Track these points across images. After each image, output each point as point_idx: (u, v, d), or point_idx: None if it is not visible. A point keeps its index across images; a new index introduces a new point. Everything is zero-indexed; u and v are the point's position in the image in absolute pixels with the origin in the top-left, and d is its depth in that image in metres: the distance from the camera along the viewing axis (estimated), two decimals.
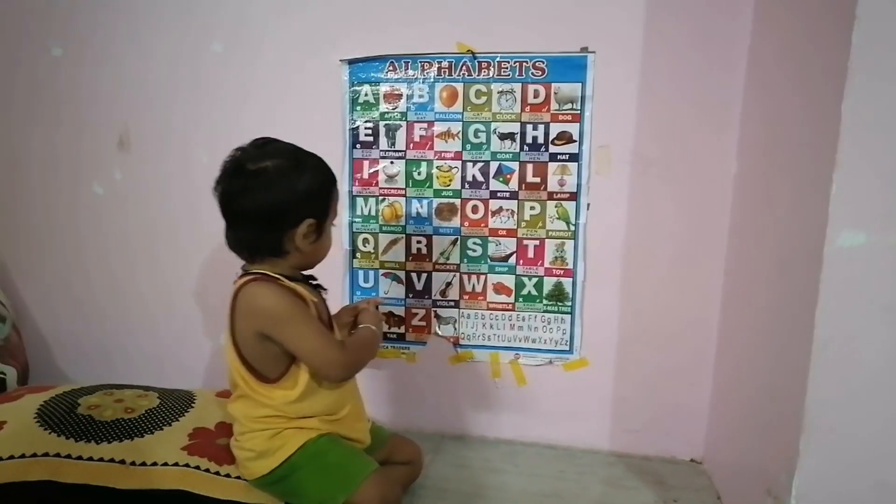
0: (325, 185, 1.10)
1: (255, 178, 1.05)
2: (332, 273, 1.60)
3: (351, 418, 1.16)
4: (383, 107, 1.53)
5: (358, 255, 1.60)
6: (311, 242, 1.09)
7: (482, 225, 1.53)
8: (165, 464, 1.12)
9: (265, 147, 1.09)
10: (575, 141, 1.47)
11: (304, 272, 1.15)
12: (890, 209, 0.91)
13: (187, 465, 1.12)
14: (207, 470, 1.12)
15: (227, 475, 1.13)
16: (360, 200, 1.57)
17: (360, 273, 1.60)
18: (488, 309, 1.57)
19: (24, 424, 1.20)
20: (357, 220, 1.58)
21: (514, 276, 1.54)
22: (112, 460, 1.12)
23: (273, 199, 1.04)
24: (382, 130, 1.54)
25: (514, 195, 1.51)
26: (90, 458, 1.12)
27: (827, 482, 0.98)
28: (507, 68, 1.46)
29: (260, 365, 1.08)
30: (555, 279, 1.53)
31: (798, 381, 0.98)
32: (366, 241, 1.59)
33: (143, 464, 1.12)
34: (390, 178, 1.55)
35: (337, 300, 1.61)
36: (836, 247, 0.93)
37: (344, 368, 1.08)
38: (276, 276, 1.07)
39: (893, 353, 0.94)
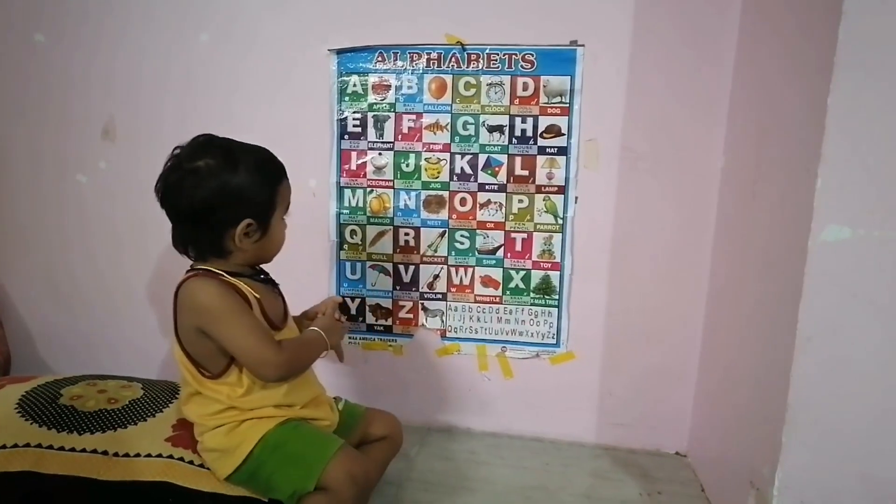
0: (263, 184, 1.07)
1: (189, 177, 1.04)
2: (318, 265, 1.60)
3: (310, 408, 1.15)
4: (372, 98, 1.52)
5: (345, 246, 1.59)
6: (255, 241, 1.08)
7: (470, 217, 1.53)
8: (149, 455, 1.11)
9: (204, 145, 1.08)
10: (564, 134, 1.47)
11: (257, 266, 1.15)
12: (875, 204, 0.92)
13: (171, 457, 1.11)
14: (192, 462, 1.11)
15: None
16: (347, 192, 1.56)
17: (347, 265, 1.60)
18: (475, 302, 1.56)
19: (5, 415, 1.18)
20: (344, 211, 1.57)
21: (501, 269, 1.54)
22: (95, 451, 1.11)
23: (204, 197, 1.03)
24: (371, 122, 1.53)
25: (502, 188, 1.51)
26: (72, 449, 1.11)
27: (810, 474, 0.99)
28: (496, 60, 1.46)
29: (203, 360, 1.07)
30: (542, 272, 1.53)
31: (782, 374, 0.99)
32: (353, 232, 1.58)
33: (127, 455, 1.11)
34: (378, 169, 1.54)
35: (323, 292, 1.60)
36: (820, 241, 0.94)
37: (276, 369, 1.04)
38: (219, 272, 1.06)
39: (877, 347, 0.95)
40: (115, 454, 1.11)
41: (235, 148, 1.08)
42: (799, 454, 0.98)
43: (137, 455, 1.11)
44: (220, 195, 1.03)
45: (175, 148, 1.09)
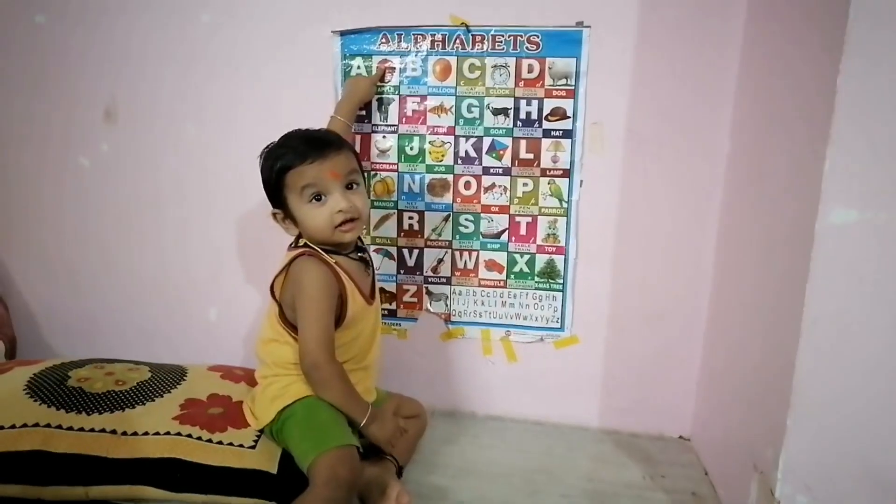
0: (269, 170, 1.17)
1: None
2: None
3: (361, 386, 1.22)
4: None
5: None
6: (292, 227, 1.19)
7: (474, 201, 1.53)
8: (157, 433, 1.12)
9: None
10: (569, 117, 1.46)
11: (356, 243, 1.26)
12: (882, 186, 0.91)
13: (179, 434, 1.12)
14: (199, 438, 1.13)
15: (220, 442, 1.13)
16: None
17: None
18: (480, 286, 1.57)
19: (14, 396, 1.19)
20: None
21: (505, 253, 1.54)
22: (103, 430, 1.12)
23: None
24: (374, 104, 1.52)
25: (506, 171, 1.50)
26: (80, 429, 1.12)
27: (814, 458, 0.99)
28: (501, 42, 1.45)
29: (292, 317, 1.18)
30: (547, 256, 1.53)
31: (787, 357, 0.99)
32: None
33: (135, 433, 1.12)
34: (382, 152, 1.54)
35: None
36: (827, 224, 0.93)
37: (312, 366, 1.12)
38: (319, 250, 1.16)
39: (882, 330, 0.95)
40: (123, 433, 1.12)
41: (282, 137, 1.20)
42: (803, 438, 0.99)
43: (145, 433, 1.12)
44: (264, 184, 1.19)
45: None
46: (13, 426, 1.11)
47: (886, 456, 0.98)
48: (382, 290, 1.60)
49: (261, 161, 1.20)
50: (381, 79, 1.49)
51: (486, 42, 1.45)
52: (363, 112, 1.52)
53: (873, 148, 0.91)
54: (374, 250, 1.59)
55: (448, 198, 1.53)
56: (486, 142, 1.49)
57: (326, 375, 1.13)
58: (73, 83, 1.63)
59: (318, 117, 1.52)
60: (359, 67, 1.50)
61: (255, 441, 1.18)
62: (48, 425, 1.12)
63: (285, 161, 1.14)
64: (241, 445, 1.15)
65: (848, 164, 0.91)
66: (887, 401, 0.96)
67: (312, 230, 1.16)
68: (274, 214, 1.19)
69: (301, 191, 1.14)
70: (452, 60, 1.48)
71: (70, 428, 1.12)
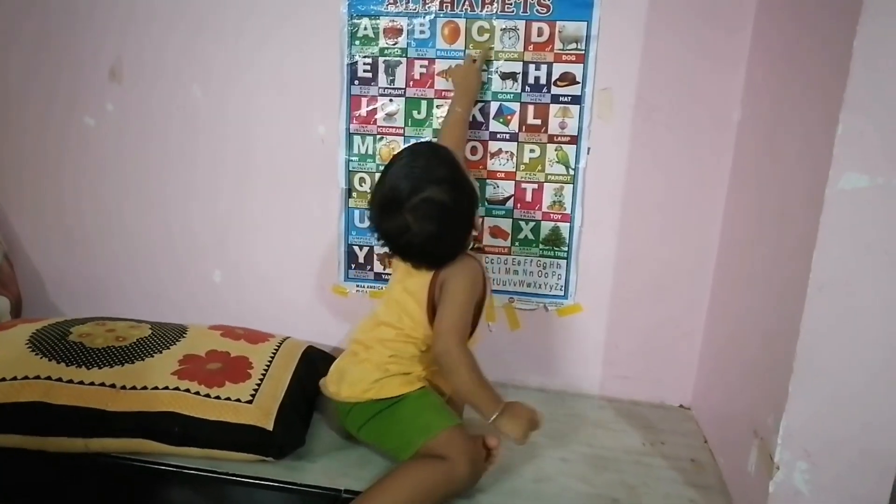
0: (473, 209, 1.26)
1: None
2: (327, 212, 1.59)
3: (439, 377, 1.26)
4: (383, 42, 1.49)
5: (354, 194, 1.58)
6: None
7: (480, 167, 1.51)
8: (156, 388, 1.13)
9: None
10: (578, 83, 1.43)
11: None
12: (894, 151, 0.90)
13: (177, 389, 1.13)
14: (198, 393, 1.13)
15: (218, 397, 1.14)
16: (357, 139, 1.54)
17: (356, 213, 1.59)
18: (484, 252, 1.56)
19: (17, 350, 1.20)
20: (354, 158, 1.55)
21: (510, 220, 1.53)
22: (103, 384, 1.13)
23: None
24: (381, 67, 1.50)
25: (513, 137, 1.48)
26: (81, 382, 1.13)
27: (814, 424, 0.98)
28: (510, 4, 1.42)
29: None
30: (552, 224, 1.52)
31: (791, 324, 0.98)
32: (362, 180, 1.57)
33: (134, 388, 1.13)
34: (389, 116, 1.52)
35: (332, 240, 1.60)
36: (837, 189, 0.92)
37: (443, 352, 1.13)
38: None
39: (889, 297, 0.93)
40: (123, 387, 1.13)
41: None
42: (805, 403, 0.98)
43: (144, 388, 1.13)
44: None
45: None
46: (14, 378, 1.12)
47: (888, 423, 0.97)
48: (387, 254, 1.59)
49: (454, 193, 1.15)
50: (477, 61, 1.43)
51: (495, 4, 1.42)
52: (369, 74, 1.50)
53: (888, 112, 0.89)
54: None
55: None
56: (494, 107, 1.47)
57: (456, 361, 1.12)
58: (77, 41, 1.61)
59: (323, 80, 1.52)
60: (365, 28, 1.48)
61: (252, 396, 1.18)
62: (49, 378, 1.12)
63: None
64: (238, 400, 1.16)
65: (862, 127, 0.89)
66: (890, 368, 0.95)
67: None
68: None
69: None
70: (461, 23, 1.45)
71: (70, 381, 1.13)
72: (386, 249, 1.23)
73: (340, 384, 1.23)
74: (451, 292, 1.16)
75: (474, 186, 1.21)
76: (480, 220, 1.49)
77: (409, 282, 1.21)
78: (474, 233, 1.25)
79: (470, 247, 1.26)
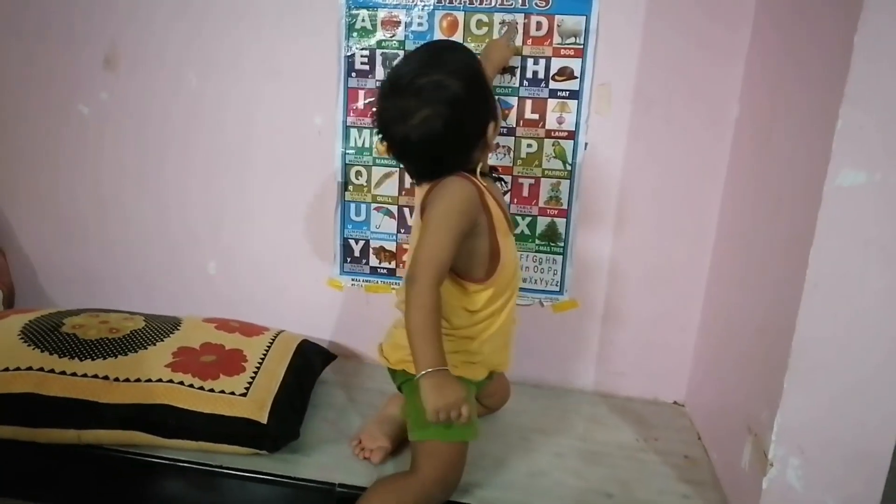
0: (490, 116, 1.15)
1: None
2: (323, 205, 1.58)
3: (481, 366, 1.21)
4: (380, 34, 1.47)
5: (350, 187, 1.57)
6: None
7: None
8: (149, 380, 1.12)
9: None
10: (576, 77, 1.43)
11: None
12: (892, 147, 0.90)
13: (171, 381, 1.12)
14: (192, 385, 1.12)
15: (211, 390, 1.13)
16: (353, 132, 1.53)
17: (352, 206, 1.58)
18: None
19: (9, 341, 1.19)
20: (350, 151, 1.55)
21: None
22: (95, 376, 1.12)
23: None
24: (379, 59, 1.49)
25: (511, 131, 1.48)
26: (73, 374, 1.12)
27: (809, 420, 0.99)
28: None
29: (465, 265, 1.09)
30: (549, 219, 1.51)
31: (787, 320, 0.98)
32: (358, 173, 1.56)
33: (127, 380, 1.12)
34: None
35: (327, 232, 1.59)
36: (835, 185, 0.92)
37: (410, 281, 1.00)
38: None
39: (885, 294, 0.94)
40: (116, 379, 1.12)
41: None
42: (799, 399, 0.98)
43: (138, 380, 1.12)
44: None
45: None
46: (6, 369, 1.11)
47: (882, 420, 0.97)
48: (382, 248, 1.59)
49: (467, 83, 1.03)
50: (511, 36, 1.39)
51: None
52: (366, 67, 1.49)
53: (889, 108, 0.89)
54: (374, 208, 1.57)
55: None
56: None
57: (415, 294, 0.98)
58: (73, 28, 1.60)
59: (321, 71, 1.50)
60: (363, 20, 1.47)
61: (247, 389, 1.18)
62: (41, 369, 1.12)
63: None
64: (232, 393, 1.15)
65: (861, 123, 0.89)
66: (885, 364, 0.95)
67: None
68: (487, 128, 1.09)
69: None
70: (460, 15, 1.44)
71: (63, 372, 1.12)
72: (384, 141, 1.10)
73: (386, 341, 1.22)
74: (430, 216, 1.02)
75: (496, 100, 1.08)
76: (496, 142, 1.28)
77: (415, 202, 1.12)
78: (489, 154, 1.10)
79: (477, 169, 1.10)
